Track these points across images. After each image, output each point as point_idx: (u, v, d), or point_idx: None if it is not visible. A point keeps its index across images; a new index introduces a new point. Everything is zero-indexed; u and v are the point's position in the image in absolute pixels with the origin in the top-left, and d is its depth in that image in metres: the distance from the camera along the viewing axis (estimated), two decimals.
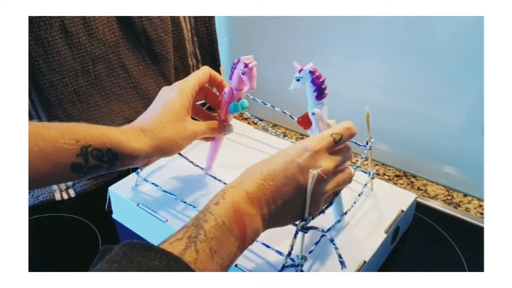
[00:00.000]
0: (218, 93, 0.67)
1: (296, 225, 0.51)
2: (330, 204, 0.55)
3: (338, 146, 0.51)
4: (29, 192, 0.79)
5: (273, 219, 0.48)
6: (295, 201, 0.48)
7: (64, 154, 0.48)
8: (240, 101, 0.64)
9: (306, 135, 1.00)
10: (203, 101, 0.69)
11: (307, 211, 0.50)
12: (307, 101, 0.56)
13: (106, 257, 0.37)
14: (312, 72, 0.54)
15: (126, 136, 0.53)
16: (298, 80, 0.55)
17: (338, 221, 0.60)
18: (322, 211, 0.54)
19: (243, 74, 0.59)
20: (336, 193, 0.55)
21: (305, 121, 0.58)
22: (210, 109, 0.69)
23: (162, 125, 0.56)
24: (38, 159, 0.47)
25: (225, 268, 0.42)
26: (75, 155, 0.49)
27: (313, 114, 0.56)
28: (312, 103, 0.56)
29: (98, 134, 0.51)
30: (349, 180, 0.53)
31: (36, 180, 0.48)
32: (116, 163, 0.52)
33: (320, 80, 0.54)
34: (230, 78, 0.62)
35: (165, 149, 0.56)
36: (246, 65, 0.58)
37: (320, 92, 0.55)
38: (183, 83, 0.61)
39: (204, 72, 0.63)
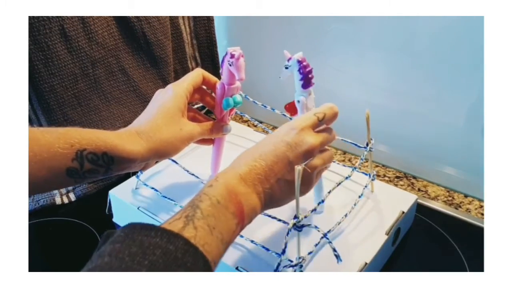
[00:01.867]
0: (214, 95, 0.67)
1: (288, 223, 0.52)
2: (323, 201, 0.57)
3: (322, 125, 0.54)
4: (29, 196, 0.79)
5: (269, 197, 0.49)
6: (287, 179, 0.50)
7: (59, 158, 0.48)
8: (233, 96, 0.63)
9: None
10: (201, 105, 0.69)
11: (298, 209, 0.51)
12: (295, 89, 0.58)
13: (109, 239, 0.38)
14: (300, 62, 0.56)
15: (121, 139, 0.53)
16: (286, 68, 0.57)
17: (338, 223, 0.60)
18: (314, 209, 0.56)
19: (230, 65, 0.59)
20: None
21: (291, 108, 0.60)
22: (210, 112, 0.69)
23: (158, 127, 0.56)
24: (34, 164, 0.47)
25: (226, 244, 0.43)
26: (70, 159, 0.49)
27: (298, 101, 0.58)
28: (299, 91, 0.58)
29: (93, 137, 0.51)
30: (331, 158, 0.56)
31: (33, 186, 0.48)
32: (112, 167, 0.52)
33: (307, 69, 0.56)
34: (221, 73, 0.62)
35: (161, 152, 0.56)
36: (232, 56, 0.58)
37: (306, 81, 0.57)
38: (177, 84, 0.61)
39: (197, 73, 0.63)
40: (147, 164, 0.59)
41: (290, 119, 0.72)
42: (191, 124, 0.60)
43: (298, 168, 0.48)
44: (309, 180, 0.53)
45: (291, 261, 0.54)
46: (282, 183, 0.49)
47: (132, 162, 0.54)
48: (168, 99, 0.58)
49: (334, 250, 0.52)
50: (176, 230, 0.39)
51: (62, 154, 0.49)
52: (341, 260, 0.52)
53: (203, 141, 0.68)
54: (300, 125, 0.51)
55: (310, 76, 0.56)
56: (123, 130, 0.56)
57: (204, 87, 0.65)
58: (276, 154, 0.49)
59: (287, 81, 0.58)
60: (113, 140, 0.52)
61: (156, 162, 0.73)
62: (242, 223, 0.46)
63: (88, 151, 0.50)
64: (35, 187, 0.49)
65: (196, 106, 0.69)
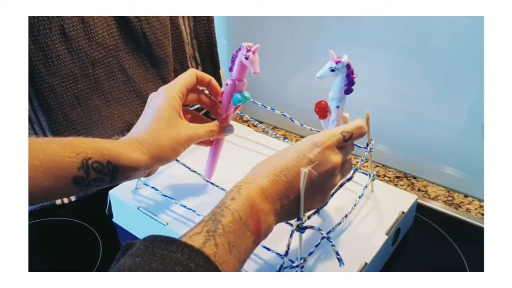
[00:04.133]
0: (212, 96, 0.66)
1: (291, 224, 0.52)
2: (325, 204, 0.56)
3: (347, 143, 0.53)
4: (36, 205, 0.78)
5: (285, 214, 0.49)
6: (306, 195, 0.49)
7: (65, 167, 0.48)
8: (241, 93, 0.62)
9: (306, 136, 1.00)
10: (197, 106, 0.68)
11: (302, 211, 0.50)
12: (332, 91, 0.57)
13: (129, 252, 0.37)
14: (348, 66, 0.55)
15: (124, 148, 0.53)
16: (332, 70, 0.55)
17: (339, 223, 0.60)
18: (317, 211, 0.56)
19: (246, 58, 0.58)
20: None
21: (322, 111, 0.59)
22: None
23: (156, 133, 0.55)
24: (40, 173, 0.47)
25: (241, 262, 0.43)
26: (76, 168, 0.49)
27: (338, 107, 0.57)
28: (339, 96, 0.57)
29: (97, 146, 0.51)
30: (350, 170, 0.56)
31: (40, 195, 0.48)
32: (117, 176, 0.52)
33: (354, 76, 0.55)
34: (230, 70, 0.61)
35: (162, 157, 0.56)
36: (248, 50, 0.58)
37: (350, 88, 0.56)
38: (169, 86, 0.60)
39: (190, 73, 0.62)
40: (151, 170, 0.59)
41: (292, 120, 0.72)
42: (190, 126, 0.59)
43: (304, 170, 0.48)
44: (324, 196, 0.53)
45: (292, 262, 0.54)
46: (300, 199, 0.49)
47: (136, 170, 0.53)
48: (161, 103, 0.57)
49: (337, 253, 0.52)
50: (197, 245, 0.38)
51: (69, 162, 0.48)
52: (343, 264, 0.52)
53: (202, 142, 0.67)
54: (325, 142, 0.51)
55: (354, 82, 0.56)
56: (124, 138, 0.55)
57: (199, 86, 0.64)
58: (299, 170, 0.48)
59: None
60: (116, 149, 0.52)
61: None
62: (258, 240, 0.46)
63: (93, 160, 0.50)
64: (42, 196, 0.48)
65: (193, 108, 0.68)
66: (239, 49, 0.59)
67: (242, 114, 0.81)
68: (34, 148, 0.47)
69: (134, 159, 0.53)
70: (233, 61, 0.61)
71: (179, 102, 0.59)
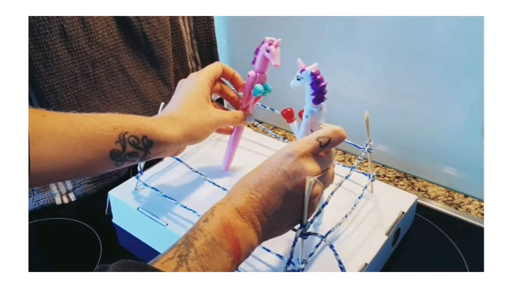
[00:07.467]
0: (234, 88, 0.69)
1: (295, 230, 0.51)
2: (326, 204, 0.55)
3: (326, 149, 0.51)
4: (29, 196, 0.79)
5: (267, 230, 0.47)
6: (286, 209, 0.48)
7: (104, 140, 0.50)
8: (264, 84, 0.65)
9: None
10: (218, 97, 0.70)
11: (305, 218, 0.49)
12: (305, 100, 0.55)
13: None
14: (313, 75, 0.52)
15: (158, 123, 0.55)
16: (298, 79, 0.53)
17: (339, 224, 0.60)
18: (319, 211, 0.54)
19: (267, 51, 0.61)
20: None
21: (288, 115, 0.59)
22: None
23: (188, 113, 0.58)
24: (80, 146, 0.49)
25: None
26: (114, 142, 0.51)
27: (307, 116, 0.55)
28: (309, 105, 0.54)
29: (133, 121, 0.53)
30: (332, 179, 0.54)
31: (80, 169, 0.50)
32: (150, 150, 0.54)
33: (320, 85, 0.52)
34: (253, 62, 0.64)
35: (193, 135, 0.58)
36: (270, 44, 0.60)
37: (318, 97, 0.53)
38: (198, 73, 0.63)
39: (217, 65, 0.65)
40: (179, 149, 0.61)
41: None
42: (218, 111, 0.62)
43: (310, 179, 0.46)
44: (312, 206, 0.50)
45: (293, 264, 0.54)
46: (280, 214, 0.47)
47: (168, 146, 0.56)
48: (193, 87, 0.60)
49: (340, 262, 0.51)
50: (169, 272, 0.38)
51: (107, 136, 0.51)
52: (345, 271, 0.52)
53: (224, 130, 0.71)
54: (298, 151, 0.48)
55: (323, 91, 0.53)
56: (157, 116, 0.58)
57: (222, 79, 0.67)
58: (273, 184, 0.47)
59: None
60: (151, 124, 0.54)
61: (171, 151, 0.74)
62: (238, 260, 0.44)
63: (129, 134, 0.52)
64: (81, 169, 0.51)
65: (214, 99, 0.70)
66: (263, 42, 0.62)
67: (264, 95, 0.81)
68: (75, 122, 0.50)
69: (168, 134, 0.55)
70: (256, 54, 0.63)
71: (208, 88, 0.62)
